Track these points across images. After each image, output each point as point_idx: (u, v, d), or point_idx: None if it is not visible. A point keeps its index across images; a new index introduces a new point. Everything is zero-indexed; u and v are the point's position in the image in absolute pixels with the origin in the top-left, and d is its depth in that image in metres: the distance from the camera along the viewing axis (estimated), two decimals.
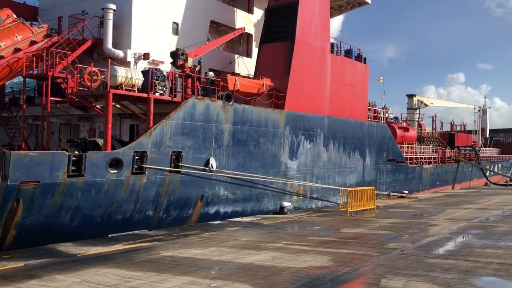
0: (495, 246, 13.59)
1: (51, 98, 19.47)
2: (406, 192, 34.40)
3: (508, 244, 13.92)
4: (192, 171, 19.45)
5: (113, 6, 21.73)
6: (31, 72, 20.88)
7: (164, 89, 18.60)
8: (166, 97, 18.76)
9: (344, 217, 21.51)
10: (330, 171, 28.94)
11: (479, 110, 69.91)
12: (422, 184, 42.04)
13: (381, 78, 60.35)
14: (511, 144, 79.24)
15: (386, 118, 49.08)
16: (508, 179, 59.04)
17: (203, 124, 19.90)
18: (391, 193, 33.15)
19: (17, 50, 21.05)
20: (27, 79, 21.41)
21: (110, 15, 21.64)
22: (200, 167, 19.81)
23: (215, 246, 14.09)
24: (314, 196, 27.59)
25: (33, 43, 21.69)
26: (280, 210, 22.70)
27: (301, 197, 26.58)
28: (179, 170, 18.88)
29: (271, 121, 23.89)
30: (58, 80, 19.99)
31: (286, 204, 22.94)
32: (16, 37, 21.28)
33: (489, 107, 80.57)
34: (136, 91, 17.74)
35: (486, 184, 55.55)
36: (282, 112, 24.64)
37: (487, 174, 58.02)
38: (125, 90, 17.34)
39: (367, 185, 32.45)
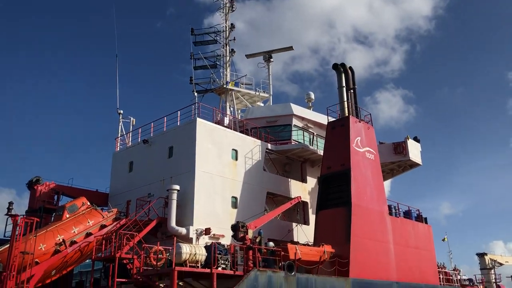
0: None
1: (117, 280, 19.77)
2: None
3: None
4: None
5: (177, 187, 23.38)
6: (100, 254, 21.73)
7: (227, 262, 18.61)
8: (229, 271, 18.64)
9: None
10: None
11: None
12: None
13: (445, 238, 58.16)
14: None
15: (459, 280, 45.41)
16: None
17: None
18: None
19: (88, 234, 22.35)
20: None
21: (174, 195, 23.15)
22: None
23: None
24: None
25: (103, 226, 23.06)
26: None
27: None
28: None
29: None
30: (124, 261, 20.54)
31: None
32: (88, 222, 22.82)
33: None
34: (199, 266, 17.84)
35: None
36: (348, 280, 23.51)
37: None
38: (189, 266, 17.49)
39: None
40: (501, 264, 58.09)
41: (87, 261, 25.58)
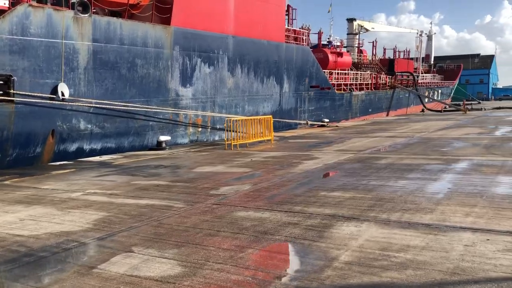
0: (349, 187, 10.21)
1: None
2: (327, 120, 31.83)
3: (370, 183, 10.50)
4: (33, 100, 15.61)
5: None
6: None
7: None
8: None
9: (226, 151, 18.36)
10: (238, 99, 25.65)
11: (420, 35, 67.33)
12: (352, 111, 39.73)
13: (329, 9, 59.48)
14: (453, 70, 78.26)
15: (324, 44, 45.70)
16: (447, 106, 58.07)
17: (45, 40, 15.78)
18: (310, 122, 30.47)
19: None
20: None
21: None
22: (45, 95, 15.97)
23: None
24: (218, 127, 24.45)
25: None
26: (158, 146, 19.37)
27: (200, 129, 23.37)
28: (12, 99, 15.00)
29: (151, 39, 19.91)
30: None
31: (163, 138, 19.54)
32: None
33: (435, 33, 78.42)
34: None
35: (422, 110, 54.33)
36: (168, 29, 20.66)
37: (425, 100, 56.66)
38: None
39: (285, 114, 29.68)
40: (367, 30, 59.65)
41: None
